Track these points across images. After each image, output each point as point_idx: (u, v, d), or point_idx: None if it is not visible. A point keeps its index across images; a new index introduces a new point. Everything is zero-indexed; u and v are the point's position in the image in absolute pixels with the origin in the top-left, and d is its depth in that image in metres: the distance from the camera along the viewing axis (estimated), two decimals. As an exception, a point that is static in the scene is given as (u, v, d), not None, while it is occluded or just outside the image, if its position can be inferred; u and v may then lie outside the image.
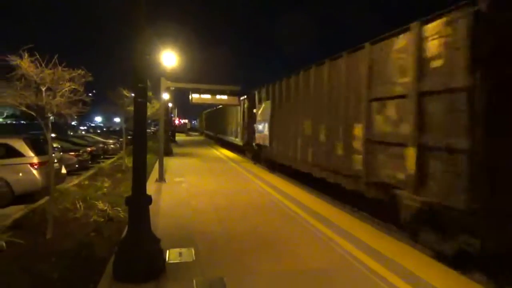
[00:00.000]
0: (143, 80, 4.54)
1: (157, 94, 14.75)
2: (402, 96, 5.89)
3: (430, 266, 4.78)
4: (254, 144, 16.65)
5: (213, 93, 13.63)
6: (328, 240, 5.79)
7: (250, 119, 17.48)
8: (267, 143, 14.21)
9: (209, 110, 39.87)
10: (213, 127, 37.09)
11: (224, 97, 13.80)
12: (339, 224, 6.70)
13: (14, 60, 5.26)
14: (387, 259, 4.97)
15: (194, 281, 4.22)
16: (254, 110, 16.63)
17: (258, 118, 15.68)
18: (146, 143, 4.71)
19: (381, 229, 6.53)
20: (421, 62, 5.46)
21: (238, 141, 21.26)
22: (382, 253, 5.20)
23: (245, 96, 18.38)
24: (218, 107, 29.00)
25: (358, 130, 7.25)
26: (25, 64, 5.29)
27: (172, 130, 33.09)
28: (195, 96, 13.35)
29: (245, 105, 19.01)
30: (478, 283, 4.32)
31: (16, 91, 5.48)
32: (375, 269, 4.63)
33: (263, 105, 15.11)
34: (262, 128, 14.95)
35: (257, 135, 15.96)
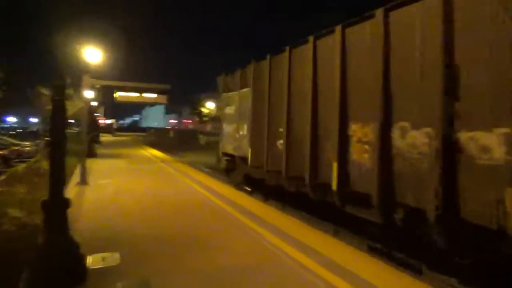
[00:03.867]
0: (62, 77, 4.31)
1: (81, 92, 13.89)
2: None
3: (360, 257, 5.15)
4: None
5: (141, 91, 13.21)
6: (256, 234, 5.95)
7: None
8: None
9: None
10: None
11: (153, 95, 13.43)
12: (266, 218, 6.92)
13: None
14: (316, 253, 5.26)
15: (117, 285, 4.07)
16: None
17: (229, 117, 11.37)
18: (64, 143, 4.42)
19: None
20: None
21: None
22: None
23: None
24: None
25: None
26: None
27: (96, 130, 31.35)
28: (120, 94, 12.84)
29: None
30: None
31: None
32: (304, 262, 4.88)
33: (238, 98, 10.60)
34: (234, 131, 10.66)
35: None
